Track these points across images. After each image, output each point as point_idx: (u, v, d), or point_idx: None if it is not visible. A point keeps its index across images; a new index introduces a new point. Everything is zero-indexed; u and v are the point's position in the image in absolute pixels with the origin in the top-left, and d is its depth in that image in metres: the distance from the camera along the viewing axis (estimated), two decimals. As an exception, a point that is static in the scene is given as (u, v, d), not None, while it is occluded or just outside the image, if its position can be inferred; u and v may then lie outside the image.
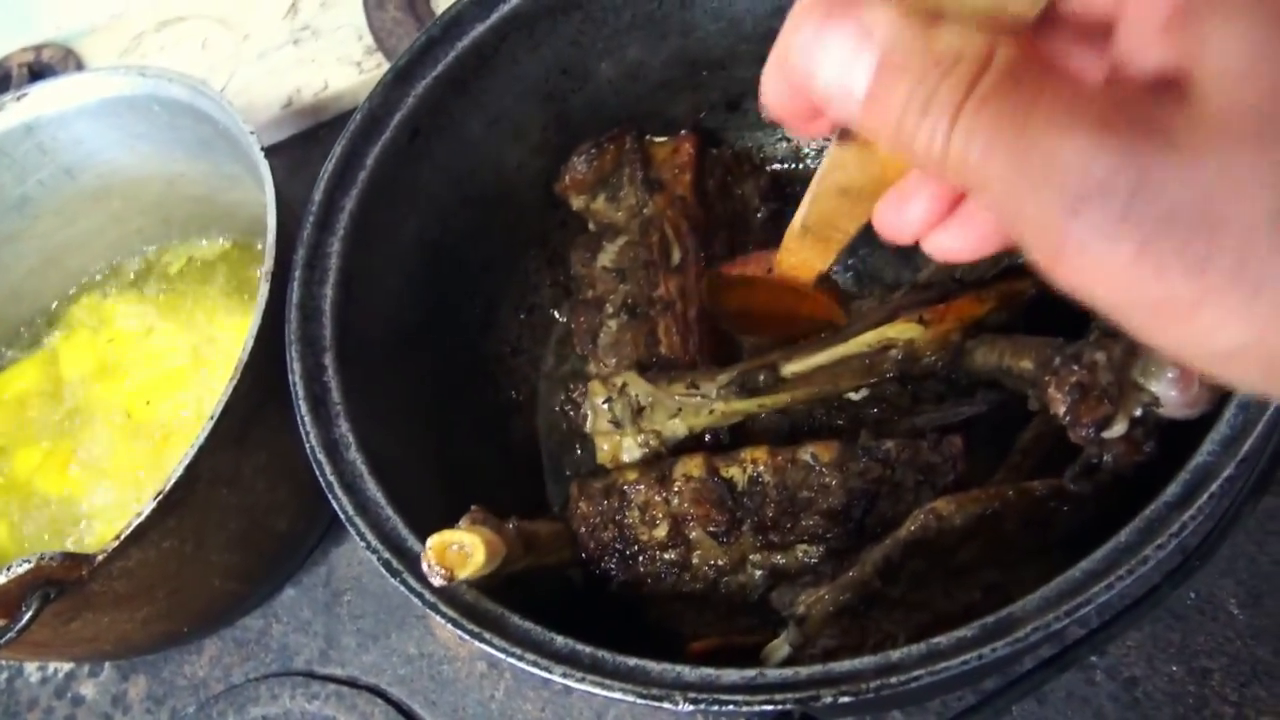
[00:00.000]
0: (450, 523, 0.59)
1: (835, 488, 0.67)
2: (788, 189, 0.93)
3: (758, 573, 0.70)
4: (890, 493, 0.67)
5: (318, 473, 0.62)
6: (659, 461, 0.71)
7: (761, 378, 0.76)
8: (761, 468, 0.68)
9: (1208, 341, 0.29)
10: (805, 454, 0.68)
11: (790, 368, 0.75)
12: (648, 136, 0.89)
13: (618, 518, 0.70)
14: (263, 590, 0.86)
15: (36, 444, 0.90)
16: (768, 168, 0.95)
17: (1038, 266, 0.31)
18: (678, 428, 0.74)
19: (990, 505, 0.60)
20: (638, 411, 0.76)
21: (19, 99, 0.87)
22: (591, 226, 0.89)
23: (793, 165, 0.96)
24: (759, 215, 0.90)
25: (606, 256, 0.86)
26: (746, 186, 0.91)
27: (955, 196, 0.40)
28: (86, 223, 0.96)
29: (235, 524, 0.74)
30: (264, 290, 0.69)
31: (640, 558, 0.70)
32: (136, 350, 0.93)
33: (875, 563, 0.60)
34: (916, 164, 0.33)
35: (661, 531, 0.69)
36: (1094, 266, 0.29)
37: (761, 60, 0.95)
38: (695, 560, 0.70)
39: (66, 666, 0.92)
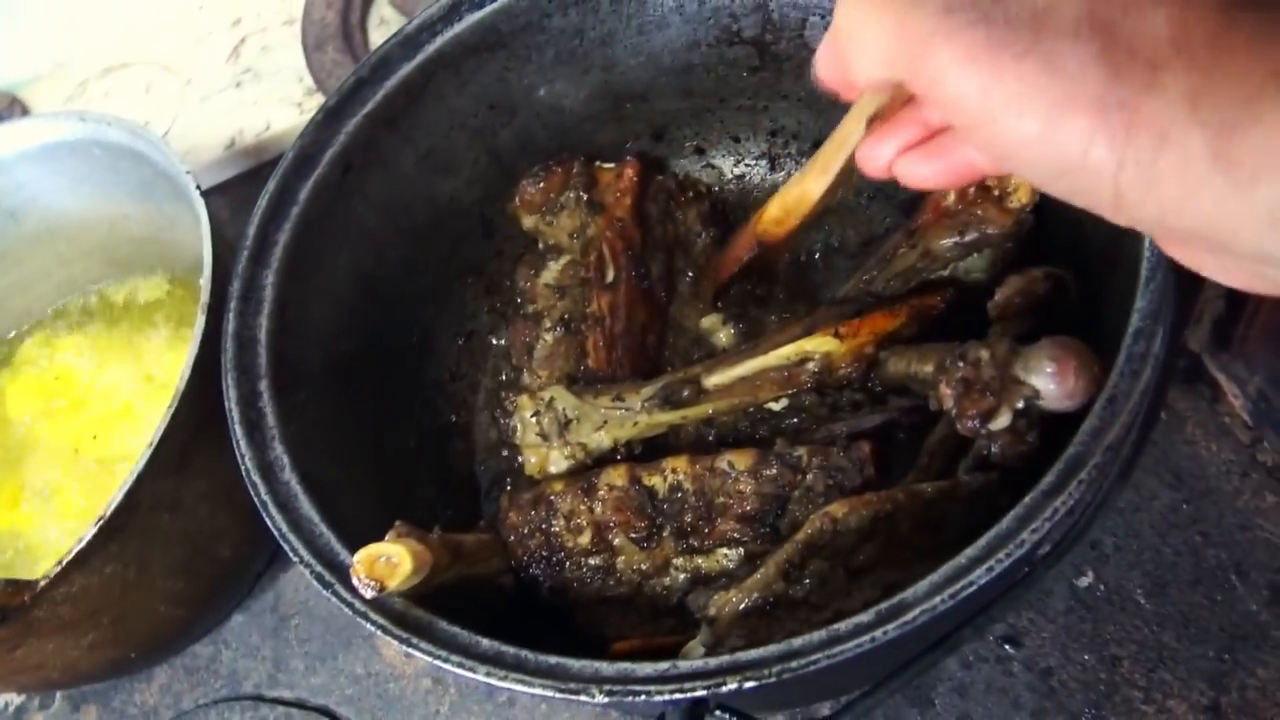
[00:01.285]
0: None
1: (749, 493, 0.71)
2: (730, 215, 0.96)
3: (681, 576, 0.74)
4: (802, 497, 0.71)
5: (252, 493, 0.65)
6: (585, 472, 0.75)
7: (685, 391, 0.79)
8: (681, 476, 0.72)
9: (1015, 129, 0.36)
10: (723, 462, 0.72)
11: (711, 380, 0.79)
12: (596, 162, 0.92)
13: (545, 526, 0.73)
14: (210, 617, 0.88)
15: (-16, 481, 0.92)
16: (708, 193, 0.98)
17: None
18: (603, 440, 0.77)
19: (882, 508, 0.64)
20: (565, 425, 0.79)
21: (-38, 146, 0.90)
22: (541, 246, 0.93)
23: (724, 190, 1.00)
24: (700, 239, 0.93)
25: (549, 274, 0.90)
26: (689, 213, 0.93)
27: (923, 134, 0.50)
28: (32, 264, 0.99)
29: (178, 550, 0.76)
30: (200, 321, 0.72)
31: (567, 564, 0.73)
32: (83, 387, 0.96)
33: (778, 564, 0.63)
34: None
35: (586, 538, 0.72)
36: (942, 72, 0.37)
37: (681, 93, 0.99)
38: (619, 565, 0.73)
39: (17, 699, 0.93)
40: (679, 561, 0.75)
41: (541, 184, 0.90)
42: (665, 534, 0.72)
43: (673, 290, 0.88)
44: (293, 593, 0.93)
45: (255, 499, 0.65)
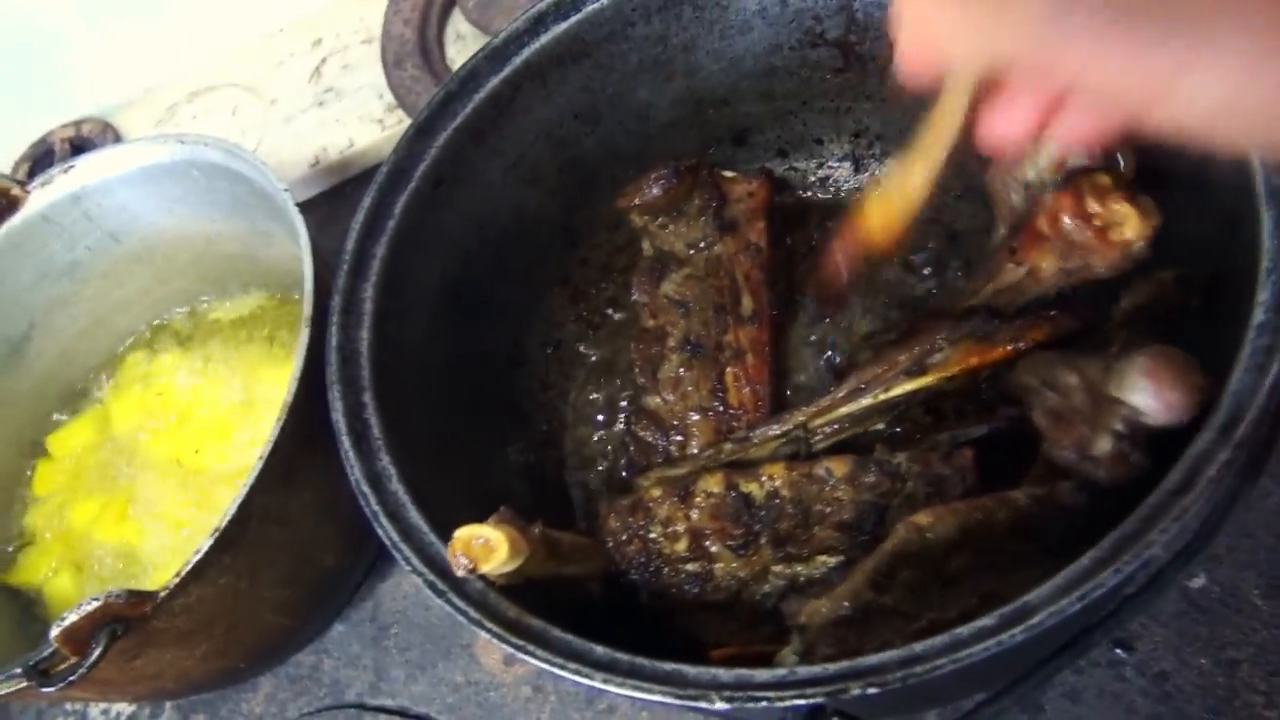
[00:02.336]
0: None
1: (847, 501, 0.70)
2: (828, 223, 0.93)
3: (779, 583, 0.73)
4: (902, 505, 0.70)
5: (363, 504, 0.66)
6: (682, 478, 0.75)
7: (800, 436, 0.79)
8: (778, 483, 0.71)
9: (1190, 109, 0.35)
10: (820, 469, 0.71)
11: (821, 421, 0.78)
12: (719, 170, 0.91)
13: (642, 532, 0.74)
14: (313, 626, 0.90)
15: (93, 496, 0.95)
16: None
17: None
18: None
19: (971, 516, 0.62)
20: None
21: (66, 171, 0.93)
22: (646, 247, 0.92)
23: (808, 190, 0.99)
24: (804, 262, 0.90)
25: (670, 286, 0.89)
26: (797, 235, 0.92)
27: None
28: (132, 284, 1.01)
29: (285, 560, 0.77)
30: (304, 336, 0.73)
31: (665, 570, 0.74)
32: (184, 403, 0.98)
33: (866, 574, 0.63)
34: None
35: (683, 545, 0.73)
36: (1085, 64, 0.36)
37: (763, 96, 0.99)
38: (717, 572, 0.73)
39: (128, 709, 0.95)
40: (777, 569, 0.74)
41: (668, 187, 0.88)
42: (762, 541, 0.72)
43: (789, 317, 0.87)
44: (390, 602, 0.94)
45: (366, 509, 0.66)
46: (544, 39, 0.84)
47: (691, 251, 0.90)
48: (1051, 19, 0.36)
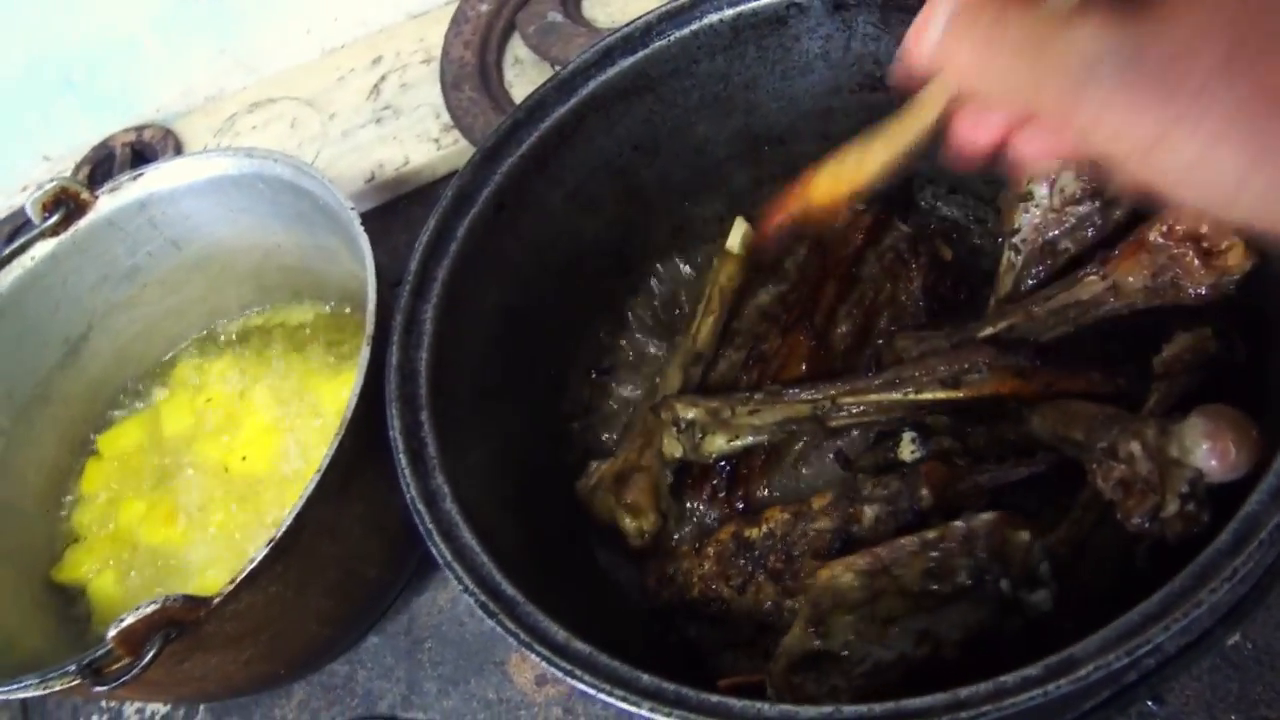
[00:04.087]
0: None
1: (820, 530, 0.73)
2: (962, 289, 0.90)
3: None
4: (870, 529, 0.72)
5: (418, 521, 0.67)
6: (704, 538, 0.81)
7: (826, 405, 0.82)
8: (774, 523, 0.75)
9: (1174, 159, 0.39)
10: (810, 504, 0.74)
11: (847, 399, 0.81)
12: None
13: (672, 586, 0.81)
14: (350, 636, 0.91)
15: (141, 497, 0.97)
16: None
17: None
18: (726, 447, 0.83)
19: (875, 564, 0.65)
20: (699, 440, 0.84)
21: (135, 178, 0.95)
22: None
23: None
24: (912, 309, 0.88)
25: (764, 297, 0.94)
26: (915, 277, 0.89)
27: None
28: (189, 290, 1.03)
29: (333, 571, 0.79)
30: (365, 353, 0.75)
31: (696, 613, 0.79)
32: (233, 409, 1.00)
33: (803, 620, 0.66)
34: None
35: (696, 593, 0.78)
36: (1098, 116, 0.40)
37: (818, 136, 1.00)
38: (735, 611, 0.77)
39: (163, 709, 0.97)
40: (789, 603, 0.76)
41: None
42: (761, 578, 0.75)
43: (856, 352, 0.87)
44: (426, 616, 0.95)
45: (420, 527, 0.67)
46: (610, 72, 0.86)
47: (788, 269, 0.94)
48: (1080, 82, 0.41)
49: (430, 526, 0.67)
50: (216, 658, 0.75)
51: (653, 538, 0.84)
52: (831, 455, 0.85)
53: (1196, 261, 0.71)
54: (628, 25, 0.86)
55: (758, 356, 0.90)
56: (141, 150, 1.27)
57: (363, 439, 0.74)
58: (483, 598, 0.63)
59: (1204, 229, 0.71)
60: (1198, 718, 0.78)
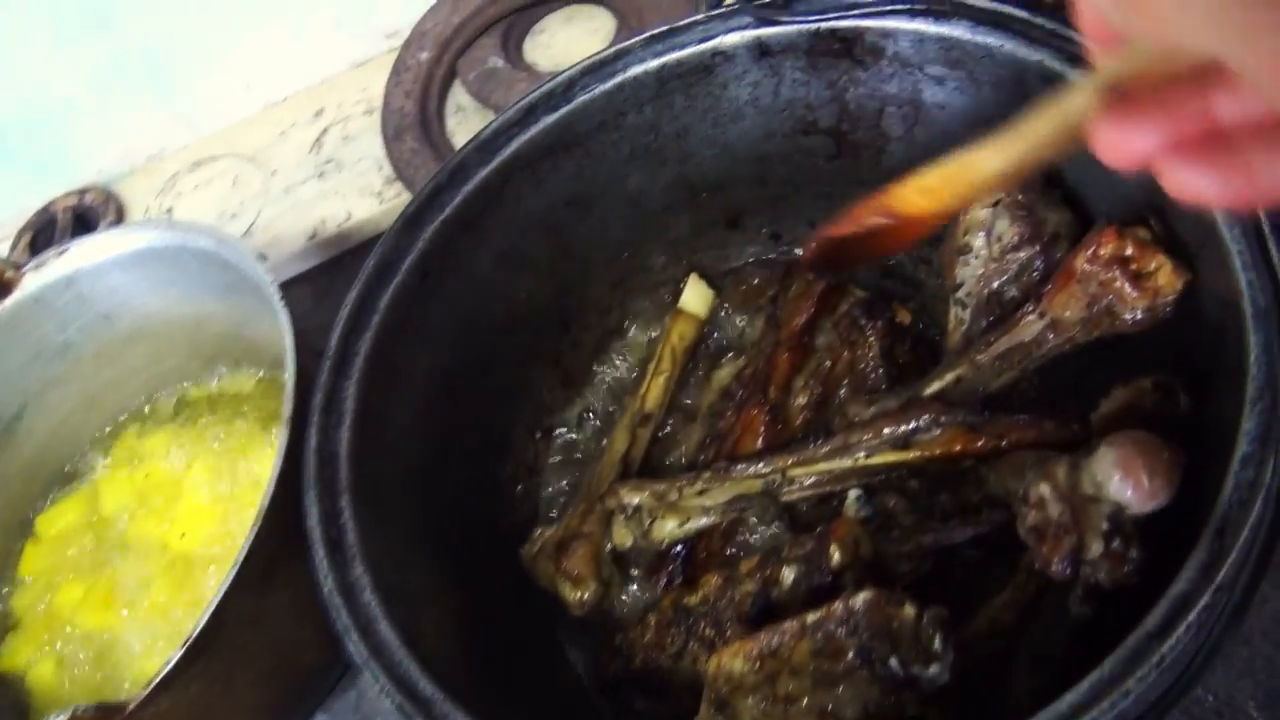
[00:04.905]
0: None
1: (743, 595, 0.71)
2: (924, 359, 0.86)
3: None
4: (790, 593, 0.71)
5: (334, 617, 0.65)
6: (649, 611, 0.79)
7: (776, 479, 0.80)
8: (708, 589, 0.73)
9: None
10: (740, 568, 0.73)
11: (797, 471, 0.79)
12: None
13: (621, 658, 0.79)
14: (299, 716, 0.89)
15: (79, 581, 0.94)
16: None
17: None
18: (678, 533, 0.79)
19: (764, 646, 0.63)
20: (648, 528, 0.80)
21: (60, 254, 0.93)
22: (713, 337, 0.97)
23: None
24: (873, 375, 0.85)
25: (724, 373, 0.92)
26: (874, 344, 0.86)
27: (1201, 130, 0.37)
28: (125, 363, 1.01)
29: (262, 662, 0.76)
30: (283, 436, 0.72)
31: (643, 683, 0.77)
32: (173, 485, 0.97)
33: (707, 705, 0.65)
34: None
35: (639, 663, 0.76)
36: None
37: (755, 181, 0.99)
38: (678, 681, 0.75)
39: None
40: None
41: (756, 281, 0.93)
42: (695, 647, 0.73)
43: (814, 424, 0.84)
44: (374, 693, 0.92)
45: (337, 623, 0.65)
46: (534, 130, 0.84)
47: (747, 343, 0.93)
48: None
49: (347, 622, 0.65)
50: (144, 759, 0.72)
51: (593, 607, 0.82)
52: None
53: (1127, 285, 0.69)
54: (549, 80, 0.84)
55: (715, 435, 0.88)
56: (84, 214, 1.25)
57: (285, 525, 0.71)
58: (399, 697, 0.61)
59: (1129, 250, 0.68)
60: (1160, 775, 0.76)
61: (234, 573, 0.69)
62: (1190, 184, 0.37)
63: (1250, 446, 0.55)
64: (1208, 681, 0.78)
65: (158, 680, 0.67)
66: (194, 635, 0.67)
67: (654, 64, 0.84)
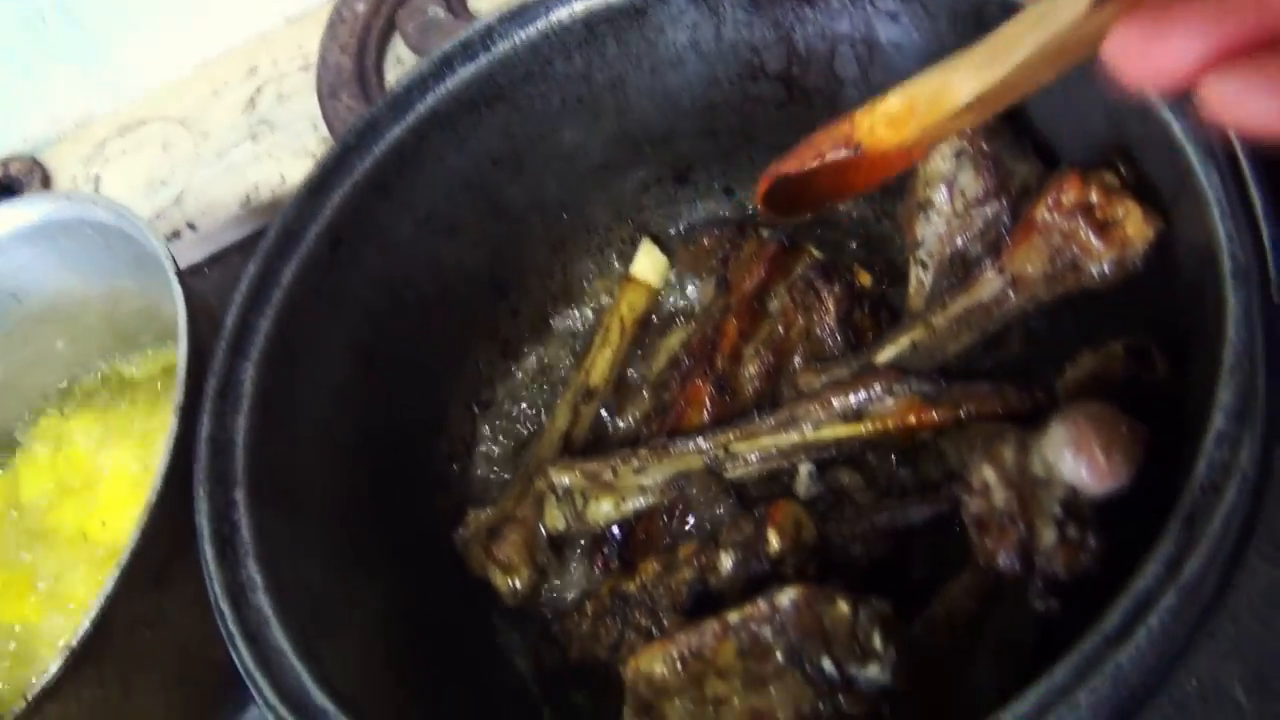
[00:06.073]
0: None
1: (680, 582, 0.66)
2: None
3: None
4: (730, 581, 0.65)
5: (219, 621, 0.60)
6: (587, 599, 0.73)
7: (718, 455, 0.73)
8: (646, 576, 0.68)
9: None
10: (678, 553, 0.67)
11: (741, 446, 0.73)
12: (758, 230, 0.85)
13: (555, 645, 0.74)
14: (220, 715, 0.83)
15: (-5, 572, 0.89)
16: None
17: None
18: (613, 514, 0.73)
19: (684, 649, 0.58)
20: (581, 509, 0.75)
21: (-41, 233, 0.87)
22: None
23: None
24: (830, 344, 0.78)
25: (674, 339, 0.86)
26: (831, 310, 0.79)
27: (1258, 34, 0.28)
28: (40, 343, 0.95)
29: (167, 663, 0.71)
30: (173, 425, 0.67)
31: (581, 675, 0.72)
32: (91, 469, 0.92)
33: (632, 709, 0.60)
34: None
35: (575, 654, 0.71)
36: None
37: (704, 132, 0.92)
38: (613, 675, 0.69)
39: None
40: None
41: (706, 241, 0.86)
42: (631, 638, 0.67)
43: (766, 395, 0.77)
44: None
45: (222, 629, 0.59)
46: (451, 83, 0.77)
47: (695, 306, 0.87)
48: None
49: (233, 628, 0.59)
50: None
51: (527, 597, 0.76)
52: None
53: (1092, 236, 0.62)
54: (466, 31, 0.77)
55: (659, 409, 0.81)
56: (9, 184, 1.18)
57: (178, 520, 0.66)
58: (283, 711, 0.56)
59: (1094, 196, 0.61)
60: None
61: (119, 573, 0.63)
62: (1247, 107, 0.28)
63: (1225, 423, 0.48)
64: (1191, 663, 0.72)
65: (39, 690, 0.61)
66: (76, 641, 0.62)
67: (580, 7, 0.77)
